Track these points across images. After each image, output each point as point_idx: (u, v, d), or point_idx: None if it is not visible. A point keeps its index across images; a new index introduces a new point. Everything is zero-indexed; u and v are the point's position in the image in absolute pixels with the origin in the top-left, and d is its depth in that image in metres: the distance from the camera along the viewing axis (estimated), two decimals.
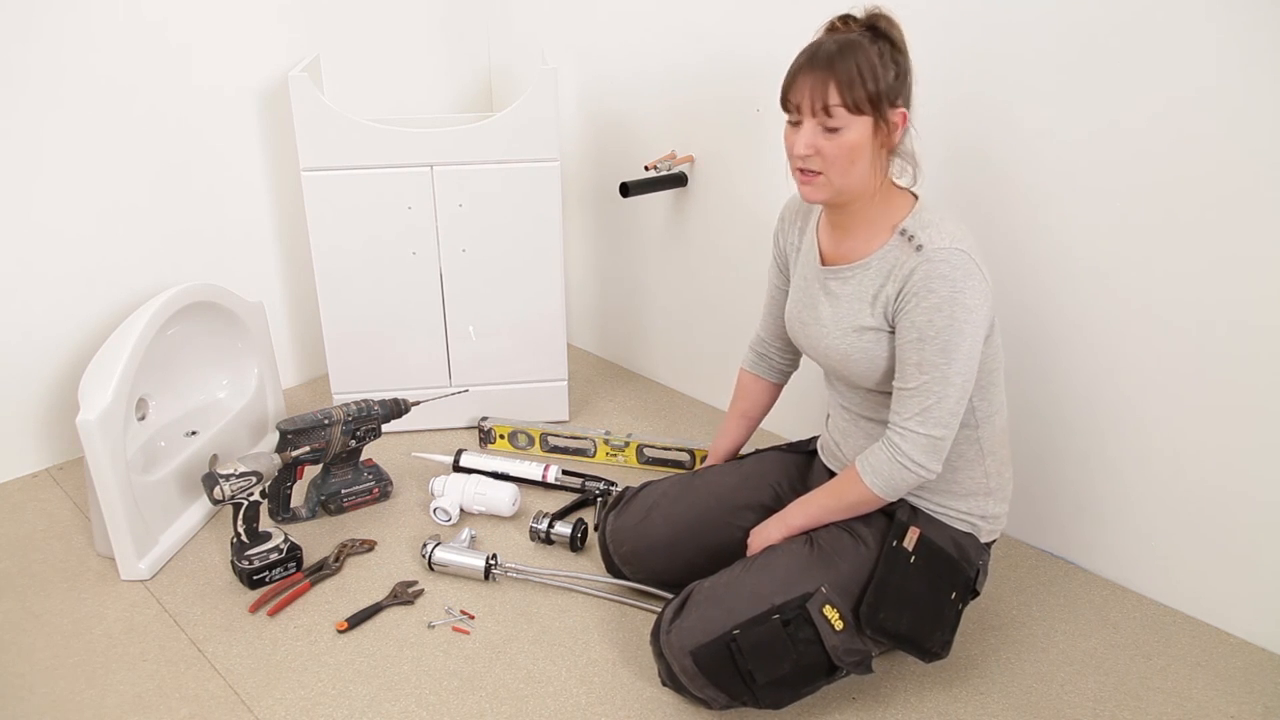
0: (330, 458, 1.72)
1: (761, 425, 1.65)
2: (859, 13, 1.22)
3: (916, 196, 1.28)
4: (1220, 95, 1.26)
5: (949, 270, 1.17)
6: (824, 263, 1.34)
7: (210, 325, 1.86)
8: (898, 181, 1.28)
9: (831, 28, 1.22)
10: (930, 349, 1.18)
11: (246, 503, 1.54)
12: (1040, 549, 1.66)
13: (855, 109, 1.17)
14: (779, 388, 1.61)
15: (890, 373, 1.25)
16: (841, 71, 1.16)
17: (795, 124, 1.21)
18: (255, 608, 1.50)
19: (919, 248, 1.19)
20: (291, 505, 1.71)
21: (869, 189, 1.24)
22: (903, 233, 1.23)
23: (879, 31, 1.19)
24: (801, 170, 1.23)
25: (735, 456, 1.62)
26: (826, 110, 1.17)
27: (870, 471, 1.26)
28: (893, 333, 1.24)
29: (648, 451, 1.92)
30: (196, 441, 1.78)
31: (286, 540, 1.59)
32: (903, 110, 1.21)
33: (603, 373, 2.36)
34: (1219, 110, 1.27)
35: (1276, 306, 1.29)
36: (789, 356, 1.57)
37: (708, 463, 1.64)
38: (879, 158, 1.22)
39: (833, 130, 1.18)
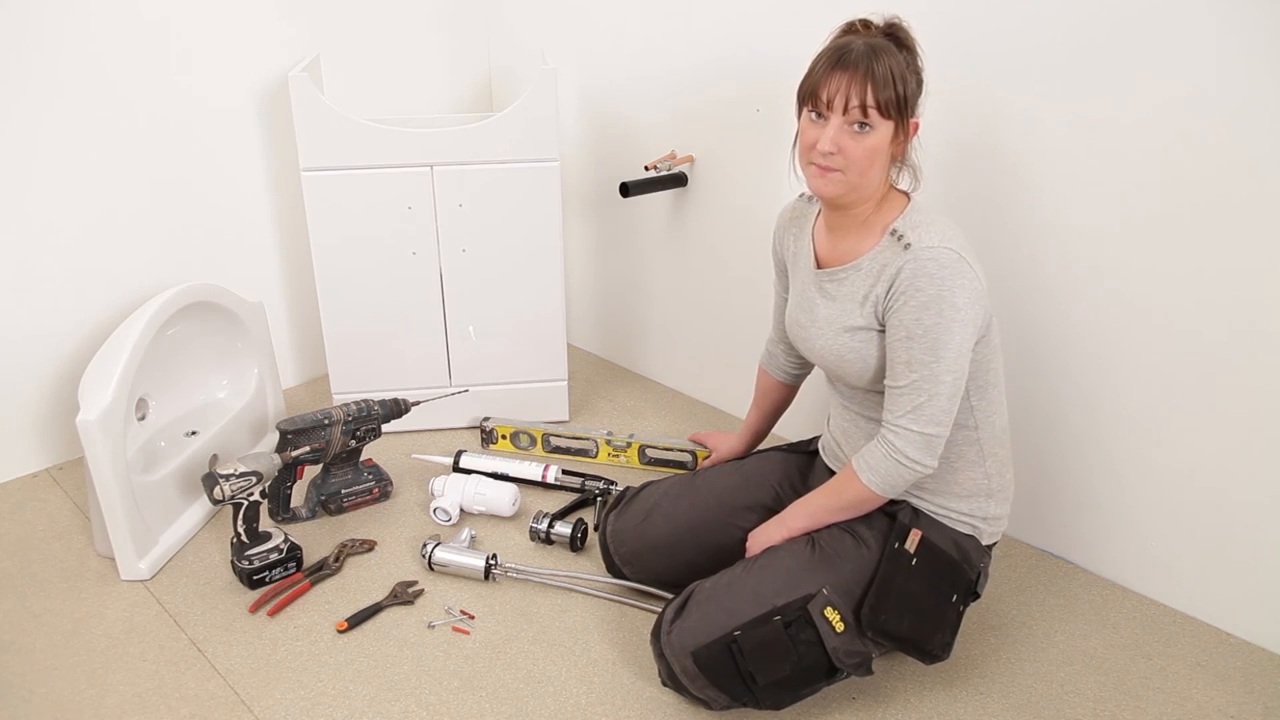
0: (330, 458, 1.72)
1: None
2: (876, 19, 1.23)
3: (909, 198, 1.29)
4: (1221, 94, 1.26)
5: (936, 269, 1.17)
6: (819, 265, 1.35)
7: (210, 325, 1.86)
8: (897, 185, 1.30)
9: (851, 29, 1.23)
10: (919, 347, 1.19)
11: (246, 503, 1.54)
12: (1040, 549, 1.66)
13: (885, 112, 1.18)
14: (787, 387, 1.63)
15: (883, 372, 1.26)
16: (879, 73, 1.16)
17: (817, 120, 1.22)
18: (255, 608, 1.50)
19: (907, 246, 1.20)
20: (291, 505, 1.71)
21: (877, 192, 1.26)
22: (893, 233, 1.24)
23: (900, 41, 1.20)
24: (818, 165, 1.23)
25: (752, 441, 1.69)
26: (863, 110, 1.17)
27: (867, 469, 1.26)
28: (883, 331, 1.24)
29: (650, 452, 1.92)
30: (196, 441, 1.78)
31: (286, 540, 1.59)
32: (916, 120, 1.23)
33: (603, 373, 2.36)
34: (1221, 109, 1.27)
35: (1278, 308, 1.29)
36: (794, 359, 1.58)
37: (723, 445, 1.72)
38: (888, 163, 1.24)
39: (861, 131, 1.19)
